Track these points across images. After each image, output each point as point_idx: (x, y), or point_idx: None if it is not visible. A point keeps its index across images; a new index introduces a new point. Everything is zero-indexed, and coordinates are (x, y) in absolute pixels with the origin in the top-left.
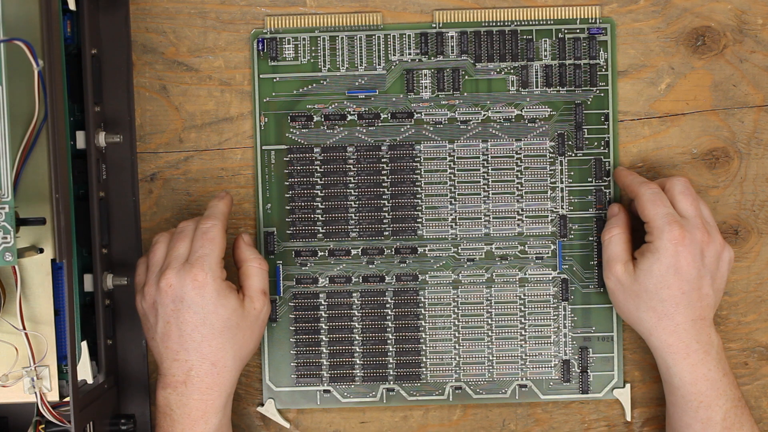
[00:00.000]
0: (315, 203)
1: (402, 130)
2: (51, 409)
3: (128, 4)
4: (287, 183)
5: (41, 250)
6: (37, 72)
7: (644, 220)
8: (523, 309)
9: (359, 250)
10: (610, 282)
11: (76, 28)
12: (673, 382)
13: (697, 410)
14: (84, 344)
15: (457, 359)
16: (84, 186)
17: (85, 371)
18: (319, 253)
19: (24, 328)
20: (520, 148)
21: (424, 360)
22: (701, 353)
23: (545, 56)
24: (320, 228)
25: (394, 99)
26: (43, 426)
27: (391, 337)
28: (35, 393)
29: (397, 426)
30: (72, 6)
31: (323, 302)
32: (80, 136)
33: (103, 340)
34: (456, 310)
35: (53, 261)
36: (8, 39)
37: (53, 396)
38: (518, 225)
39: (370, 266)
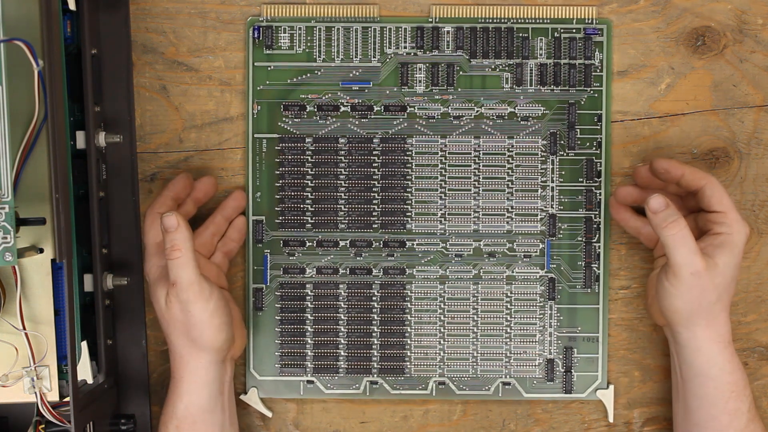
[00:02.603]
0: (305, 193)
1: (395, 123)
2: (51, 409)
3: (128, 4)
4: (278, 172)
5: (41, 250)
6: (37, 72)
7: (717, 209)
8: (509, 307)
9: (347, 241)
10: (689, 278)
11: (76, 28)
12: (712, 373)
13: (728, 401)
14: (84, 344)
15: (442, 354)
16: (84, 186)
17: (85, 371)
18: (307, 244)
19: (24, 328)
20: (512, 146)
21: (409, 354)
22: (732, 346)
23: (540, 55)
24: (309, 218)
25: (387, 92)
26: (43, 426)
27: (376, 329)
28: (35, 393)
29: (397, 426)
30: (72, 6)
31: (310, 293)
32: (80, 136)
33: (103, 340)
34: (442, 306)
35: (53, 261)
36: (8, 39)
37: (53, 396)
38: (507, 222)
39: (358, 258)
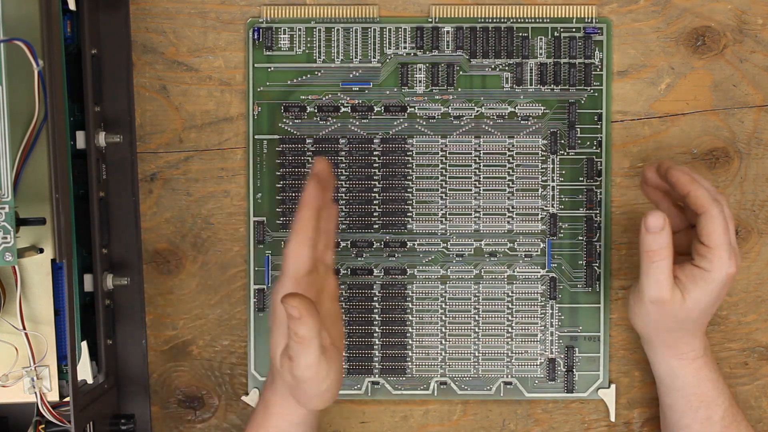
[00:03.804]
0: None
1: (395, 123)
2: (51, 409)
3: (128, 4)
4: (279, 173)
5: (41, 250)
6: (37, 72)
7: (704, 243)
8: (510, 306)
9: (348, 242)
10: (648, 304)
11: (76, 28)
12: (675, 385)
13: (698, 410)
14: (84, 344)
15: (443, 354)
16: (84, 186)
17: (85, 371)
18: None
19: (24, 328)
20: (513, 146)
21: (410, 354)
22: (706, 357)
23: (540, 54)
24: None
25: (387, 92)
26: (43, 426)
27: (377, 330)
28: (35, 393)
29: (397, 426)
30: (72, 6)
31: None
32: (80, 136)
33: (103, 340)
34: (443, 306)
35: (53, 261)
36: (8, 39)
37: (53, 396)
38: (508, 222)
39: (359, 259)
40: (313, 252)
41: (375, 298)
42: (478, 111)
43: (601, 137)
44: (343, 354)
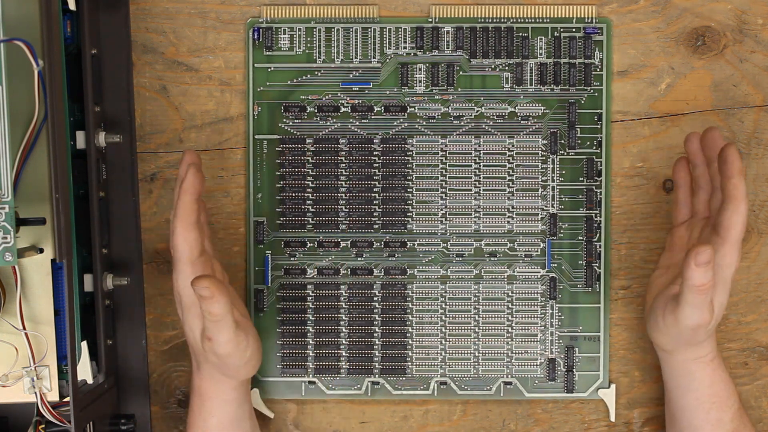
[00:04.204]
0: (306, 194)
1: (395, 123)
2: (51, 409)
3: (128, 4)
4: (279, 173)
5: (41, 250)
6: (37, 72)
7: (721, 234)
8: (510, 306)
9: (348, 242)
10: (686, 329)
11: (76, 28)
12: (692, 386)
13: (709, 412)
14: (84, 344)
15: (443, 354)
16: (84, 186)
17: (85, 371)
18: (308, 244)
19: (24, 328)
20: (513, 146)
21: (410, 354)
22: (719, 356)
23: (540, 54)
24: (310, 219)
25: (387, 92)
26: (43, 426)
27: (377, 330)
28: (35, 393)
29: (397, 426)
30: (72, 6)
31: (311, 293)
32: (80, 136)
33: (103, 340)
34: (443, 306)
35: (53, 261)
36: (8, 39)
37: (53, 396)
38: (508, 222)
39: (359, 259)
40: (200, 234)
41: (375, 298)
42: (478, 111)
43: (601, 137)
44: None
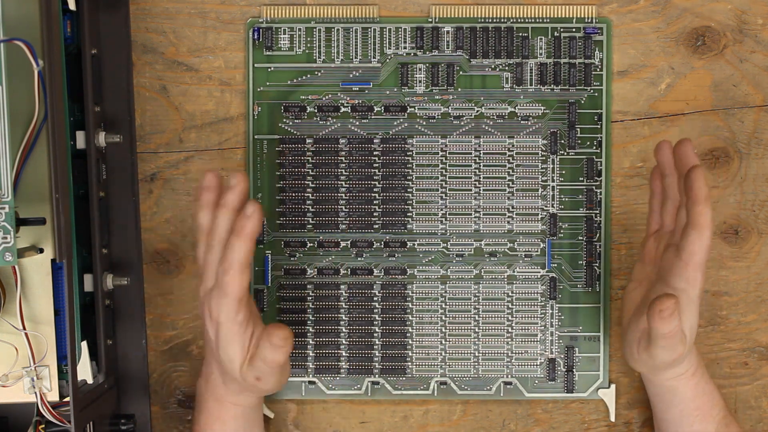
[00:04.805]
0: (306, 194)
1: (395, 123)
2: (51, 409)
3: (128, 4)
4: (279, 173)
5: (41, 250)
6: (37, 72)
7: (683, 259)
8: (510, 306)
9: (348, 242)
10: (662, 364)
11: (76, 28)
12: (674, 401)
13: (693, 424)
14: (84, 344)
15: (443, 354)
16: (84, 186)
17: (85, 371)
18: (308, 244)
19: (24, 328)
20: (513, 146)
21: (410, 354)
22: (701, 368)
23: (540, 54)
24: (310, 219)
25: (387, 92)
26: (43, 426)
27: (377, 330)
28: (35, 393)
29: (397, 426)
30: (72, 6)
31: (311, 293)
32: (80, 136)
33: (103, 340)
34: (443, 306)
35: (53, 261)
36: (8, 39)
37: (53, 396)
38: (508, 222)
39: (359, 259)
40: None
41: (375, 298)
42: (478, 111)
43: (601, 137)
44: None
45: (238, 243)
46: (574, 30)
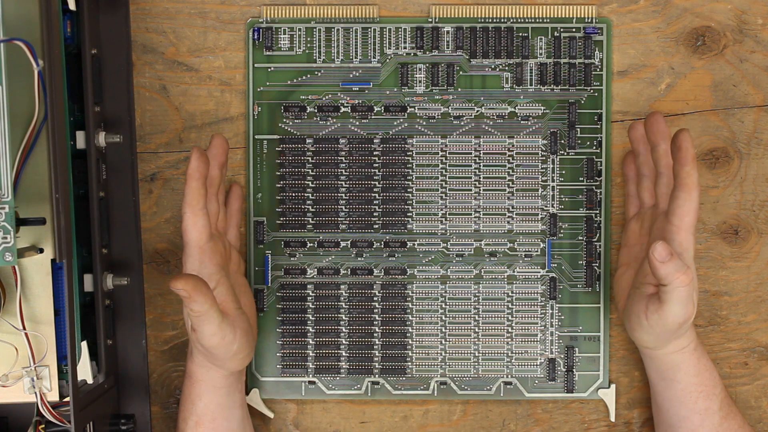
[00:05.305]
0: (306, 194)
1: (395, 123)
2: (51, 409)
3: (128, 4)
4: (278, 173)
5: (41, 250)
6: (37, 72)
7: (674, 223)
8: (510, 306)
9: (348, 242)
10: (674, 325)
11: (76, 28)
12: (677, 377)
13: (697, 401)
14: (84, 344)
15: (443, 354)
16: (84, 186)
17: (85, 371)
18: (308, 244)
19: (24, 328)
20: (513, 146)
21: (410, 354)
22: (700, 345)
23: (540, 54)
24: (310, 219)
25: (387, 92)
26: (43, 426)
27: (377, 330)
28: (35, 393)
29: (397, 426)
30: (72, 6)
31: (311, 293)
32: (80, 136)
33: (103, 340)
34: (443, 306)
35: (53, 261)
36: (8, 39)
37: (53, 396)
38: (508, 222)
39: (359, 259)
40: (208, 220)
41: (375, 298)
42: (478, 111)
43: (601, 137)
44: (255, 316)
45: (185, 185)
46: (574, 30)
